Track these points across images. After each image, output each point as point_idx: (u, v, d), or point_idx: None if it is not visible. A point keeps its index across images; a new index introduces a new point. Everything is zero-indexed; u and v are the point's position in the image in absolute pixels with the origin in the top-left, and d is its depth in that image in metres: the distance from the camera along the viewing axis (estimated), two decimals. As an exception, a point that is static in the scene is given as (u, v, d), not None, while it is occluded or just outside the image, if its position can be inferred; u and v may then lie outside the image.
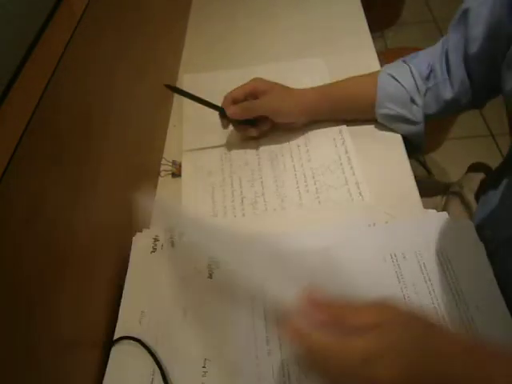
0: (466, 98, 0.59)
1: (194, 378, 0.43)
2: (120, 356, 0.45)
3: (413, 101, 0.60)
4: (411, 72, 0.61)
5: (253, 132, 0.65)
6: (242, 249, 0.50)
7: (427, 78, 0.60)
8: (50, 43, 0.42)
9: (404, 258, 0.47)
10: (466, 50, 0.54)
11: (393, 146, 0.62)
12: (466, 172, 0.73)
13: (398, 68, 0.62)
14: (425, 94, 0.60)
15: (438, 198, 0.75)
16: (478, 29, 0.51)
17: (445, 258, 0.47)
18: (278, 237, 0.52)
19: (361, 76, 0.65)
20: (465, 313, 0.43)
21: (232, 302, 0.47)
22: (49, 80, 0.40)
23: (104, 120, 0.51)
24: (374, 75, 0.63)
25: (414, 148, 0.64)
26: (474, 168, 0.72)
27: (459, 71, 0.57)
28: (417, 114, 0.60)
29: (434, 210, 0.51)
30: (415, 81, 0.60)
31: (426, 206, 0.54)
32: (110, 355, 0.45)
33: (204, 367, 0.43)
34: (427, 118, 0.61)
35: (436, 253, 0.47)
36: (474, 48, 0.53)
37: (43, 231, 0.38)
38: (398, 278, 0.46)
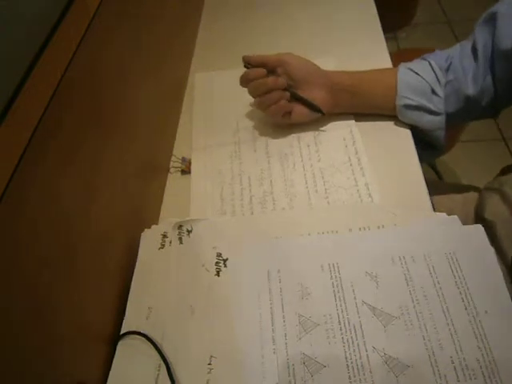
0: (488, 98, 0.58)
1: (199, 374, 0.43)
2: (126, 350, 0.45)
3: (434, 92, 0.60)
4: (431, 65, 0.61)
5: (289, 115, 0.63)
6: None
7: (447, 71, 0.60)
8: (64, 40, 0.42)
9: (413, 260, 0.47)
10: (494, 48, 0.55)
11: (403, 145, 0.62)
12: (498, 174, 0.71)
13: (416, 63, 0.63)
14: (446, 86, 0.59)
15: (458, 196, 0.72)
16: (510, 26, 0.53)
17: (454, 261, 0.46)
18: (284, 239, 0.52)
19: (382, 68, 0.65)
20: (474, 317, 0.42)
21: (239, 301, 0.47)
22: (61, 77, 0.40)
23: (115, 117, 0.52)
24: (393, 68, 0.64)
25: (432, 150, 0.63)
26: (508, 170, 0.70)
27: (484, 68, 0.57)
28: (438, 104, 0.60)
29: (444, 214, 0.50)
30: (435, 73, 0.60)
31: (441, 205, 0.54)
32: (117, 349, 0.45)
33: (210, 364, 0.43)
34: (446, 117, 0.60)
35: (445, 256, 0.46)
36: (506, 44, 0.53)
37: (56, 225, 0.38)
38: (406, 280, 0.46)
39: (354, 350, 0.42)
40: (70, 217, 0.41)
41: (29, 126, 0.36)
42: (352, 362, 0.41)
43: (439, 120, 0.60)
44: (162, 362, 0.43)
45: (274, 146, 0.66)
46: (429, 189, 0.56)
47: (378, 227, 0.51)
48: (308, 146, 0.65)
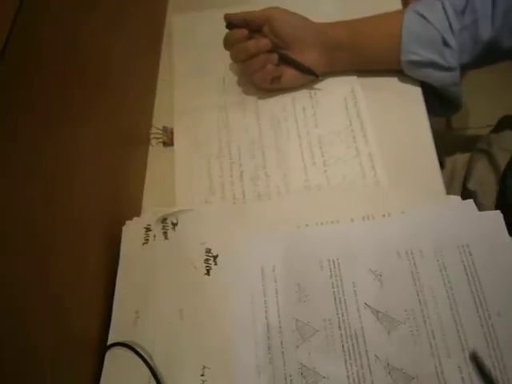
0: (509, 39, 0.49)
1: (192, 387, 0.41)
2: (115, 362, 0.42)
3: (445, 43, 0.50)
4: (443, 7, 0.50)
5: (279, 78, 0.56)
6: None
7: (463, 13, 0.50)
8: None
9: (421, 255, 0.42)
10: None
11: (412, 107, 0.54)
12: (495, 127, 0.65)
13: (427, 3, 0.52)
14: (460, 33, 0.50)
15: (458, 156, 0.68)
16: None
17: (467, 256, 0.42)
18: (279, 232, 0.47)
19: (385, 13, 0.54)
20: (485, 320, 0.39)
21: (231, 304, 0.44)
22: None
23: (75, 78, 0.43)
24: (399, 12, 0.53)
25: (448, 104, 0.55)
26: (505, 123, 0.64)
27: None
28: (450, 58, 0.50)
29: (459, 197, 0.45)
30: (448, 17, 0.50)
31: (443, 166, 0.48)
32: (105, 361, 0.43)
33: (203, 375, 0.41)
34: (462, 67, 0.52)
35: (458, 250, 0.42)
36: None
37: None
38: (413, 279, 0.42)
39: (356, 360, 0.39)
40: (36, 211, 0.36)
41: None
42: (353, 373, 0.39)
43: (452, 76, 0.52)
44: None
45: (265, 110, 0.58)
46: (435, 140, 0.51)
47: (384, 215, 0.46)
48: (304, 109, 0.57)
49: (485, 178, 0.60)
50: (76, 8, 0.44)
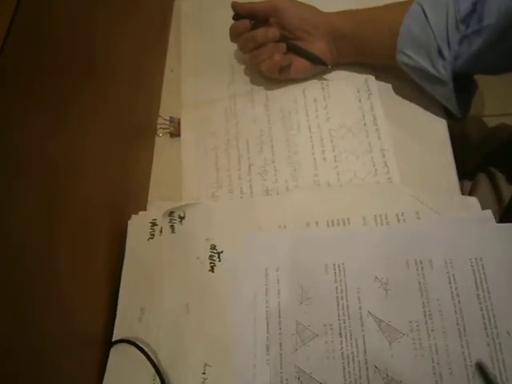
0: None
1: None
2: (119, 358, 0.43)
3: (440, 52, 0.45)
4: (447, 7, 0.45)
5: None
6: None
7: (464, 21, 0.44)
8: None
9: (431, 266, 0.41)
10: None
11: (429, 103, 0.51)
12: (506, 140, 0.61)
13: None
14: (460, 43, 0.44)
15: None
16: None
17: (480, 269, 0.40)
18: (286, 230, 0.46)
19: (393, 3, 0.50)
20: (493, 338, 0.38)
21: (233, 302, 0.44)
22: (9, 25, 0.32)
23: (83, 70, 0.43)
24: (407, 4, 0.48)
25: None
26: None
27: None
28: (442, 70, 0.46)
29: (477, 204, 0.43)
30: (448, 22, 0.45)
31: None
32: (109, 358, 0.43)
33: (204, 373, 0.42)
34: (458, 72, 0.46)
35: (470, 262, 0.40)
36: None
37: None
38: (420, 290, 0.40)
39: (354, 368, 0.39)
40: (44, 200, 0.36)
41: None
42: (351, 382, 0.39)
43: (445, 90, 0.47)
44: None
45: (274, 101, 0.56)
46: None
47: (397, 215, 0.44)
48: (315, 100, 0.55)
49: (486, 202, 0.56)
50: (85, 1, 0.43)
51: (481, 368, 0.36)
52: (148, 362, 0.42)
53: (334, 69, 0.55)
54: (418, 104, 0.51)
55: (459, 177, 0.46)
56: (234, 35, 0.53)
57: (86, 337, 0.43)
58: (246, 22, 0.51)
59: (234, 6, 0.53)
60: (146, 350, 0.43)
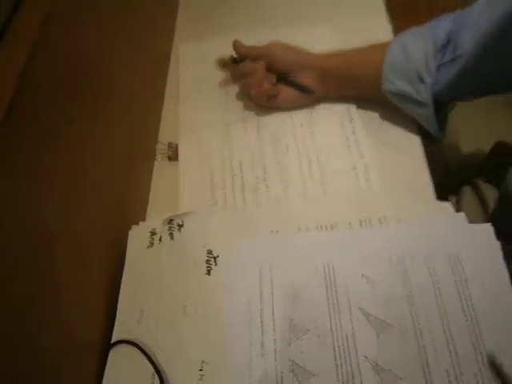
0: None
1: (191, 381, 0.42)
2: (118, 359, 0.44)
3: (421, 78, 0.51)
4: (425, 41, 0.51)
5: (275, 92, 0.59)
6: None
7: (441, 51, 0.50)
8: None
9: (413, 261, 0.44)
10: None
11: (405, 126, 0.57)
12: (488, 154, 0.67)
13: (414, 34, 0.53)
14: (437, 70, 0.50)
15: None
16: None
17: (457, 263, 0.43)
18: (278, 235, 0.49)
19: (375, 44, 0.57)
20: (474, 328, 0.40)
21: (229, 302, 0.46)
22: (29, 56, 0.36)
23: (95, 99, 0.48)
24: (387, 43, 0.55)
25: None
26: (498, 149, 0.64)
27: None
28: (424, 94, 0.51)
29: (451, 208, 0.47)
30: (426, 53, 0.51)
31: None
32: (108, 359, 0.44)
33: (201, 370, 0.43)
34: (436, 97, 0.51)
35: (448, 258, 0.44)
36: None
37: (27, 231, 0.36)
38: (404, 284, 0.43)
39: (346, 359, 0.41)
40: (49, 217, 0.39)
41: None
42: (342, 372, 0.40)
43: (425, 112, 0.52)
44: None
45: (265, 127, 0.62)
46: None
47: (380, 219, 0.48)
48: (302, 125, 0.61)
49: (472, 214, 0.60)
50: (97, 39, 0.49)
51: (493, 363, 0.38)
52: (147, 362, 0.44)
53: (318, 102, 0.61)
54: (394, 126, 0.57)
55: (445, 194, 0.51)
56: (235, 77, 0.62)
57: (86, 339, 0.44)
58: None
59: (236, 45, 0.60)
60: (145, 349, 0.44)
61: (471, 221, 0.46)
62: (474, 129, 0.76)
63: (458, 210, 0.61)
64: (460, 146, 0.73)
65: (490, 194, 0.59)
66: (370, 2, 0.71)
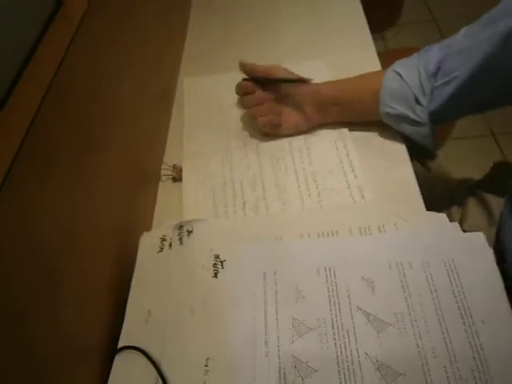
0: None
1: (196, 376, 0.43)
2: (123, 364, 0.45)
3: (417, 100, 0.57)
4: (417, 68, 0.57)
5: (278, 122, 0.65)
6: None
7: (433, 76, 0.56)
8: (46, 54, 0.42)
9: (410, 267, 0.47)
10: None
11: (396, 149, 0.62)
12: (490, 171, 0.71)
13: (406, 64, 0.60)
14: (431, 93, 0.56)
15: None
16: None
17: (453, 269, 0.46)
18: (281, 241, 0.52)
19: (369, 72, 0.64)
20: (470, 327, 0.42)
21: (234, 302, 0.47)
22: (46, 89, 0.40)
23: (106, 126, 0.51)
24: (381, 72, 0.62)
25: (425, 152, 0.62)
26: (499, 169, 0.69)
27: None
28: (421, 114, 0.57)
29: (445, 218, 0.51)
30: (420, 78, 0.57)
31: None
32: (113, 363, 0.45)
33: (206, 366, 0.44)
34: (433, 116, 0.57)
35: (444, 263, 0.46)
36: None
37: (40, 237, 0.38)
38: (402, 287, 0.46)
39: (347, 356, 0.42)
40: (57, 229, 0.40)
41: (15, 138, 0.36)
42: (344, 368, 0.42)
43: (423, 130, 0.58)
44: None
45: (265, 151, 0.66)
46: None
47: (379, 227, 0.51)
48: (299, 149, 0.65)
49: (478, 225, 0.64)
50: (108, 77, 0.53)
51: None
52: (151, 366, 0.44)
53: (315, 128, 0.66)
54: (384, 145, 0.63)
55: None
56: (239, 91, 0.66)
57: (93, 344, 0.45)
58: (249, 84, 0.65)
59: (241, 65, 0.65)
60: (151, 352, 0.44)
61: (478, 229, 0.50)
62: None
63: (462, 219, 0.65)
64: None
65: (495, 203, 0.62)
66: (360, 40, 0.79)
